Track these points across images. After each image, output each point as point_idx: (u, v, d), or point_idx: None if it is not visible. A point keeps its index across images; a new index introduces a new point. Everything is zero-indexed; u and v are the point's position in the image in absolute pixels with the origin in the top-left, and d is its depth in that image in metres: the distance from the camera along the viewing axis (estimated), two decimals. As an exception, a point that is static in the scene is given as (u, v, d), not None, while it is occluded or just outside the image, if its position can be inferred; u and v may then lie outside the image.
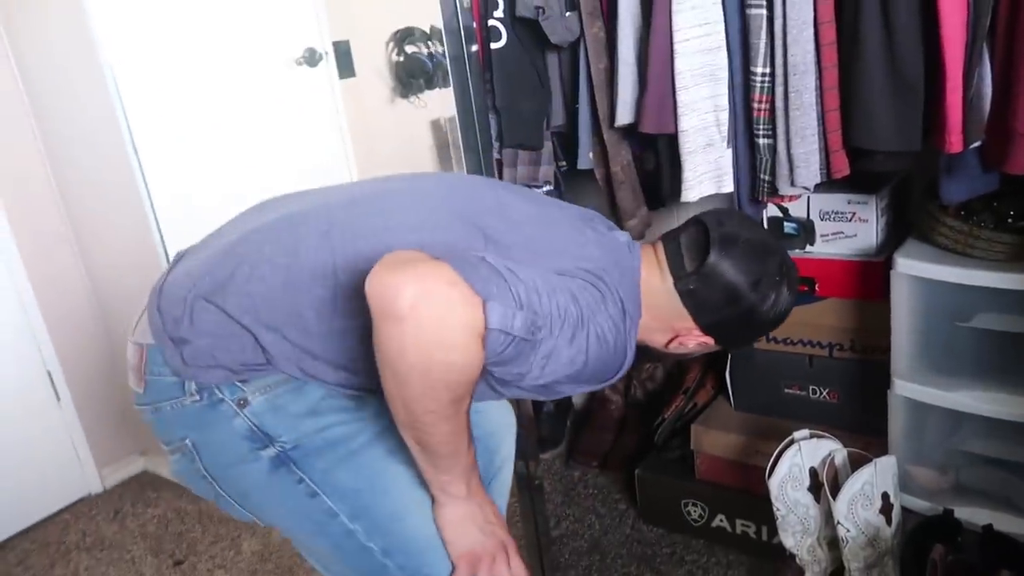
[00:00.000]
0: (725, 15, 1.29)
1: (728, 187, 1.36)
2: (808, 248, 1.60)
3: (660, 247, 1.07)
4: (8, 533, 2.24)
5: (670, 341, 1.08)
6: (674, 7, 1.28)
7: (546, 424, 2.17)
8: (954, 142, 1.17)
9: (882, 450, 1.47)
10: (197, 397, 0.95)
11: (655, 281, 1.04)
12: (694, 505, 1.79)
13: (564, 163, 1.69)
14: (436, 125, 2.82)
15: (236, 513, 1.04)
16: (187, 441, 0.98)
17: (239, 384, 0.95)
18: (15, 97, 2.15)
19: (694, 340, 1.07)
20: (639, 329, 1.04)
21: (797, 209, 1.59)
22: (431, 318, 0.80)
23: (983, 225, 1.34)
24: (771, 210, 1.61)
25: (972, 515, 1.38)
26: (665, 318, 1.05)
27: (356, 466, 0.99)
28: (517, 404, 1.60)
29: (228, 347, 0.93)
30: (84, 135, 2.09)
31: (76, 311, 2.30)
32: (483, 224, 0.97)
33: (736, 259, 1.02)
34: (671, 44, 1.29)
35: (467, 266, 0.84)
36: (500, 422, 1.29)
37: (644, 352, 1.11)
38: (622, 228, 1.24)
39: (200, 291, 0.95)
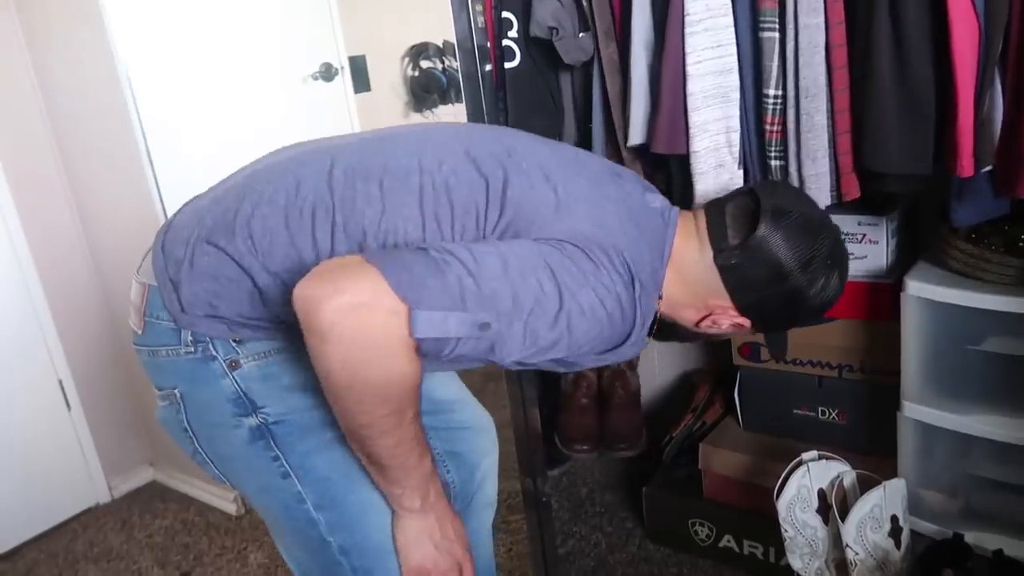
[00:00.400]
0: (737, 37, 1.30)
1: (739, 208, 1.37)
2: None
3: (702, 215, 0.99)
4: (17, 541, 2.25)
5: (702, 319, 1.01)
6: (687, 29, 1.29)
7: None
8: (965, 166, 1.17)
9: (891, 472, 1.46)
10: (191, 349, 0.94)
11: (691, 252, 0.97)
12: (701, 525, 1.79)
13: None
14: (448, 141, 2.84)
15: (210, 472, 1.03)
16: (176, 391, 0.97)
17: (234, 344, 0.93)
18: (39, 123, 2.19)
19: (728, 320, 1.00)
20: (669, 304, 0.98)
21: (807, 230, 1.59)
22: (352, 334, 0.78)
23: (994, 249, 1.34)
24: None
25: (982, 540, 1.38)
26: (700, 294, 0.98)
27: (333, 456, 0.96)
28: (525, 420, 1.61)
29: (226, 294, 0.91)
30: (100, 146, 2.11)
31: (88, 320, 2.32)
32: (487, 172, 0.93)
33: (787, 234, 0.93)
34: (683, 65, 1.30)
35: (398, 267, 0.81)
36: (480, 438, 1.28)
37: (671, 330, 1.04)
38: None
39: (203, 232, 0.93)
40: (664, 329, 1.02)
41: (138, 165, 1.97)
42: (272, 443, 0.95)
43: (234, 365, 0.93)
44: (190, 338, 0.94)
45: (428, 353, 0.84)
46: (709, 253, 0.96)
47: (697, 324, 1.02)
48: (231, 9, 2.17)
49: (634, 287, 0.91)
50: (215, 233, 0.92)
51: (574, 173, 0.98)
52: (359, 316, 0.78)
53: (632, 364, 2.07)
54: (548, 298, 0.85)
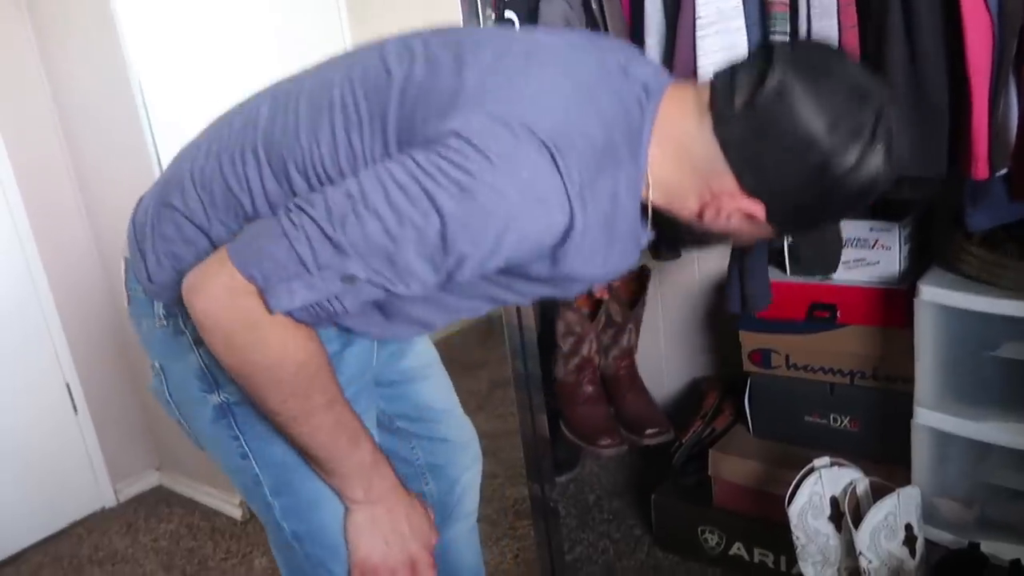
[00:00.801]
0: (749, 40, 1.30)
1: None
2: (830, 275, 1.59)
3: (708, 85, 0.82)
4: (22, 545, 2.24)
5: (703, 209, 0.83)
6: (698, 32, 1.29)
7: (562, 447, 2.16)
8: (980, 169, 1.16)
9: (905, 480, 1.44)
10: (164, 323, 0.93)
11: (688, 124, 0.81)
12: (711, 532, 1.77)
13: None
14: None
15: (195, 443, 1.02)
16: (157, 363, 0.97)
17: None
18: (52, 132, 2.20)
19: (736, 208, 0.81)
20: (664, 191, 0.83)
21: (819, 235, 1.58)
22: (221, 323, 0.80)
23: (1009, 254, 1.32)
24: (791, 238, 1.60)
25: (999, 549, 1.35)
26: (700, 176, 0.81)
27: None
28: (533, 427, 1.59)
29: (186, 256, 0.89)
30: (108, 141, 2.12)
31: (95, 324, 2.32)
32: (394, 69, 0.84)
33: (809, 88, 0.74)
34: (695, 68, 1.30)
35: (244, 247, 0.79)
36: (462, 452, 1.26)
37: (671, 226, 0.88)
38: None
39: (158, 196, 0.93)
40: (662, 226, 0.87)
41: (149, 175, 1.97)
42: (233, 423, 0.94)
43: (200, 341, 0.89)
44: (162, 311, 0.93)
45: (316, 321, 0.82)
46: (709, 123, 0.79)
47: (700, 216, 0.84)
48: (242, 17, 2.17)
49: (556, 164, 0.75)
50: (167, 192, 0.92)
51: (501, 52, 0.83)
52: (221, 304, 0.79)
53: (631, 347, 1.88)
54: (427, 220, 0.75)
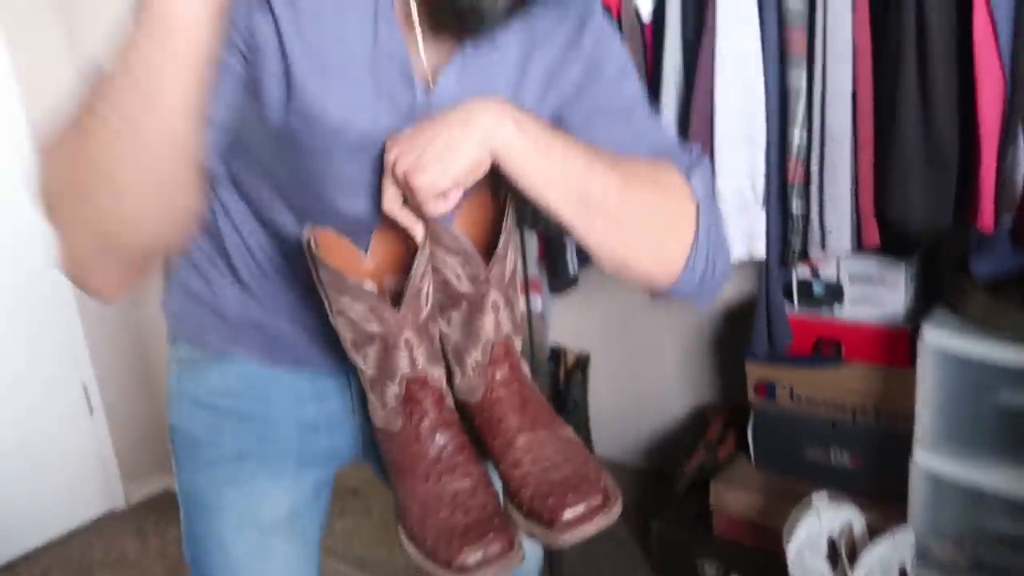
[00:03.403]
0: (766, 80, 1.32)
1: (760, 253, 1.38)
2: (835, 311, 1.61)
3: None
4: (31, 545, 2.28)
5: None
6: (717, 69, 1.32)
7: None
8: (985, 220, 1.18)
9: (900, 517, 1.45)
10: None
11: None
12: (710, 564, 1.78)
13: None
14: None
15: None
16: None
17: (171, 343, 0.89)
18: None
19: None
20: None
21: (827, 271, 1.60)
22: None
23: (1011, 300, 1.34)
24: (801, 272, 1.62)
25: (991, 594, 1.37)
26: None
27: (204, 476, 0.90)
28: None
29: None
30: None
31: (116, 325, 2.36)
32: None
33: None
34: (712, 107, 1.33)
35: None
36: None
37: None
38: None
39: None
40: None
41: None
42: (172, 442, 0.92)
43: (171, 367, 0.90)
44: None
45: None
46: None
47: None
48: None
49: None
50: None
51: None
52: None
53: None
54: None
